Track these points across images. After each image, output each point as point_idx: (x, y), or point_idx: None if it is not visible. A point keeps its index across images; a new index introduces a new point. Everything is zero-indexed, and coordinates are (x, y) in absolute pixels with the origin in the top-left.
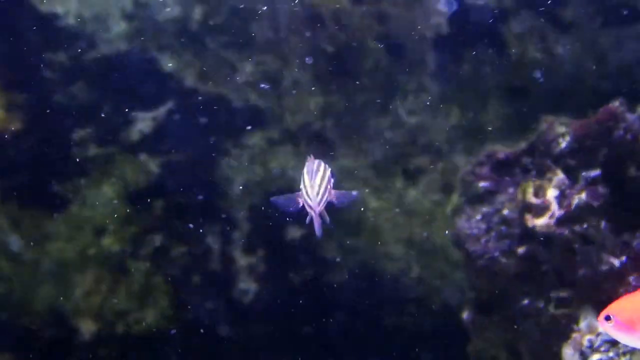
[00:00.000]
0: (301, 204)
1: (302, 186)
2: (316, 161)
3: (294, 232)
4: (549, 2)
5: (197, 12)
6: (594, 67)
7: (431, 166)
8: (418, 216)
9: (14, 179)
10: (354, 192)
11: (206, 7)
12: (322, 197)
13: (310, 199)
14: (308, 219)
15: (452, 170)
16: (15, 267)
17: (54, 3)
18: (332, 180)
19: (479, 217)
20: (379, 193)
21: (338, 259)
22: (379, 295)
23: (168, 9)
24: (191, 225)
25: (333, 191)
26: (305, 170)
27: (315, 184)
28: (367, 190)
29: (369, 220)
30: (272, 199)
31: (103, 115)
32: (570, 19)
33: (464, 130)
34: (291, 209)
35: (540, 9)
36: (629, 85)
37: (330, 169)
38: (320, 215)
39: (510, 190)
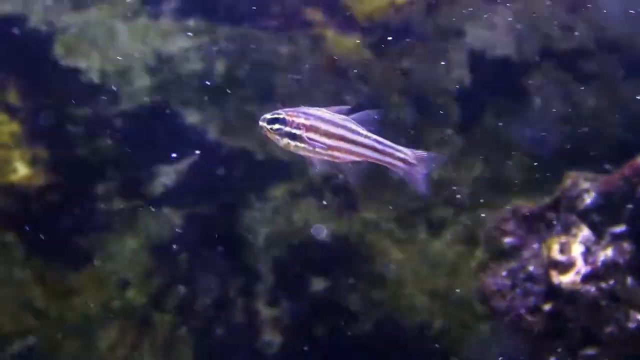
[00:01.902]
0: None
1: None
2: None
3: (318, 284)
4: (571, 54)
5: (220, 66)
6: (616, 118)
7: (454, 218)
8: (442, 268)
9: (39, 234)
10: None
11: (229, 61)
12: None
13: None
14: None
15: (475, 222)
16: (40, 321)
17: (78, 58)
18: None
19: (504, 273)
20: (403, 245)
21: (362, 311)
22: (403, 347)
23: (191, 64)
24: (214, 276)
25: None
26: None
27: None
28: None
29: (392, 272)
30: None
31: (126, 169)
32: (592, 70)
33: (487, 182)
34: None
35: (562, 61)
36: None
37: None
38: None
39: (535, 245)
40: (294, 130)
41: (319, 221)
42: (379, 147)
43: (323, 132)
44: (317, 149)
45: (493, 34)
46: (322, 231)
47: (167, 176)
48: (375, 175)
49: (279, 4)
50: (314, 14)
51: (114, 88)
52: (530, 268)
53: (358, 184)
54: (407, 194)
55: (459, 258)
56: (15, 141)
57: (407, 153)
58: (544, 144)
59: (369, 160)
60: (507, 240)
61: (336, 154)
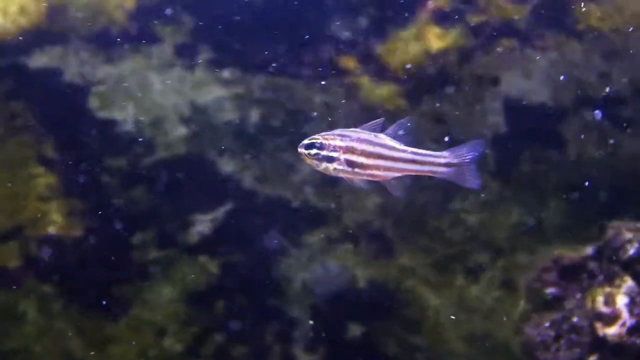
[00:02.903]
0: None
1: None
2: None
3: (355, 329)
4: (607, 100)
5: (254, 115)
6: None
7: (492, 263)
8: (479, 313)
9: (76, 285)
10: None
11: (263, 109)
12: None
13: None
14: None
15: (513, 268)
16: None
17: (113, 110)
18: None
19: (547, 324)
20: (440, 290)
21: (400, 356)
22: None
23: (225, 113)
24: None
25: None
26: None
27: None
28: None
29: (429, 317)
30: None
31: (162, 219)
32: (629, 116)
33: (524, 228)
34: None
35: (599, 108)
36: None
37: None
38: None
39: (578, 296)
40: (331, 154)
41: (355, 267)
42: (418, 158)
43: (360, 152)
44: (356, 170)
45: (529, 81)
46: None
47: (203, 225)
48: (412, 221)
49: (313, 53)
50: (348, 63)
51: (149, 138)
52: (574, 319)
53: (400, 198)
54: (443, 239)
55: (497, 303)
56: (51, 193)
57: (446, 156)
58: (581, 191)
59: (411, 173)
60: (550, 290)
61: (375, 172)
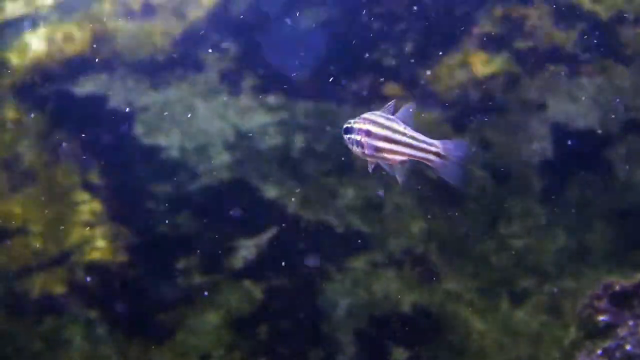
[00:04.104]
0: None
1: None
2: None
3: (400, 354)
4: None
5: (298, 140)
6: None
7: (538, 289)
8: (525, 338)
9: (121, 310)
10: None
11: (307, 135)
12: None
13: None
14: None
15: (560, 293)
16: None
17: (158, 136)
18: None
19: (599, 352)
20: (485, 315)
21: None
22: None
23: (270, 139)
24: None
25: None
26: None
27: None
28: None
29: (474, 342)
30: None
31: (207, 244)
32: None
33: (571, 253)
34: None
35: None
36: None
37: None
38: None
39: (631, 323)
40: (357, 137)
41: (399, 292)
42: (414, 143)
43: (374, 135)
44: (375, 153)
45: (576, 106)
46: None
47: (247, 250)
48: (458, 246)
49: (358, 79)
50: (393, 89)
51: (194, 164)
52: (628, 347)
53: (404, 183)
54: (489, 264)
55: (543, 328)
56: (97, 219)
57: (437, 146)
58: (629, 217)
59: (411, 158)
60: (602, 318)
61: (385, 155)
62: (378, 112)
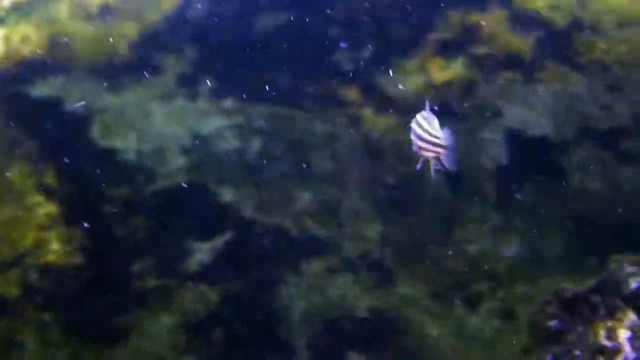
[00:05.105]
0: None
1: (416, 134)
2: (425, 112)
3: (354, 359)
4: (610, 133)
5: (255, 145)
6: None
7: (492, 293)
8: (479, 343)
9: (75, 313)
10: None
11: (264, 139)
12: (443, 137)
13: (437, 138)
14: (420, 164)
15: (513, 298)
16: None
17: (114, 139)
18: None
19: (549, 357)
20: (439, 320)
21: None
22: None
23: (226, 143)
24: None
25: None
26: (418, 118)
27: (432, 129)
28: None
29: (430, 347)
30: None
31: (162, 247)
32: (632, 149)
33: (525, 258)
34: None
35: (601, 140)
36: None
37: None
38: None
39: (580, 329)
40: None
41: (355, 296)
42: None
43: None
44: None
45: (531, 113)
46: None
47: (202, 254)
48: (414, 251)
49: (315, 83)
50: (351, 93)
51: (150, 167)
52: (577, 352)
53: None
54: (444, 269)
55: (496, 333)
56: (52, 222)
57: (445, 139)
58: (583, 223)
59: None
60: (551, 323)
61: (423, 153)
62: (424, 112)
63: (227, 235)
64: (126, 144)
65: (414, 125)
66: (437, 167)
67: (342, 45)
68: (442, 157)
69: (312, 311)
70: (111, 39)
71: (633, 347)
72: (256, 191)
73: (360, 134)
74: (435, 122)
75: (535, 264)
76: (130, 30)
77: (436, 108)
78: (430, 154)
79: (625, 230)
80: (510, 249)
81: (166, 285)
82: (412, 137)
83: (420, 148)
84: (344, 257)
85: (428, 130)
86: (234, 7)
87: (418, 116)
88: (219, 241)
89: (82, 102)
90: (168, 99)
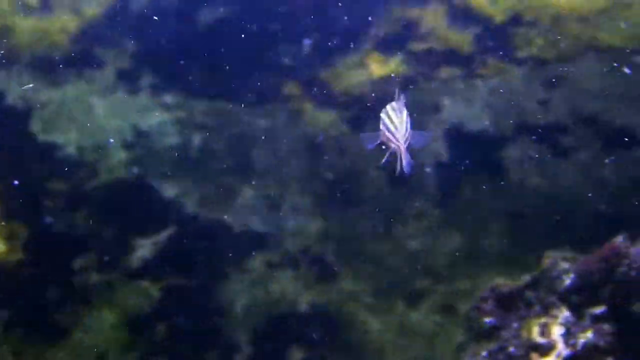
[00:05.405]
0: (384, 141)
1: (385, 124)
2: (395, 103)
3: (297, 354)
4: (548, 128)
5: (197, 140)
6: (594, 192)
7: (433, 289)
8: (420, 338)
9: (16, 310)
10: (429, 132)
11: (205, 134)
12: (406, 135)
13: (396, 137)
14: (386, 157)
15: (453, 293)
16: None
17: (55, 134)
18: (410, 121)
19: (484, 353)
20: (381, 315)
21: None
22: None
23: (168, 138)
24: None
25: (410, 131)
26: (388, 108)
27: (400, 123)
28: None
29: (371, 342)
30: (361, 134)
31: (104, 243)
32: (569, 145)
33: (465, 254)
34: (372, 145)
35: (539, 135)
36: (629, 209)
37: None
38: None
39: (515, 325)
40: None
41: (297, 292)
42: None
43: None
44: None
45: (470, 108)
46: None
47: (144, 249)
48: (355, 246)
49: (257, 78)
50: (292, 88)
51: (91, 162)
52: (511, 349)
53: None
54: (385, 265)
55: (437, 329)
56: None
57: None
58: (521, 219)
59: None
60: (487, 320)
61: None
62: (394, 103)
63: (170, 231)
64: (67, 139)
65: (383, 115)
66: (387, 162)
67: (306, 42)
68: (402, 156)
69: (255, 306)
70: (52, 33)
71: (566, 344)
72: (198, 186)
73: (301, 128)
74: (404, 115)
75: (474, 259)
76: (70, 24)
77: (403, 99)
78: (393, 146)
79: (562, 226)
80: (450, 245)
81: (108, 280)
82: (381, 126)
83: (388, 139)
84: (285, 253)
85: (395, 123)
86: (175, 1)
87: (388, 107)
88: (161, 236)
89: (31, 85)
90: (109, 93)
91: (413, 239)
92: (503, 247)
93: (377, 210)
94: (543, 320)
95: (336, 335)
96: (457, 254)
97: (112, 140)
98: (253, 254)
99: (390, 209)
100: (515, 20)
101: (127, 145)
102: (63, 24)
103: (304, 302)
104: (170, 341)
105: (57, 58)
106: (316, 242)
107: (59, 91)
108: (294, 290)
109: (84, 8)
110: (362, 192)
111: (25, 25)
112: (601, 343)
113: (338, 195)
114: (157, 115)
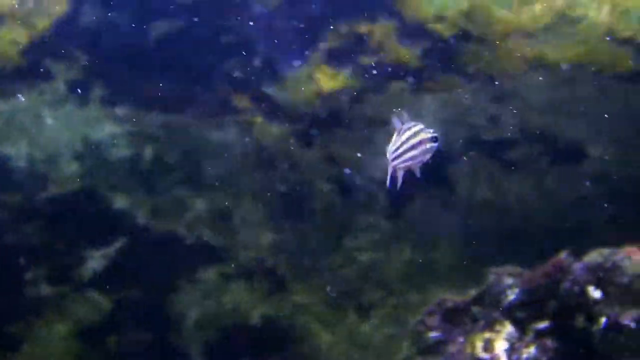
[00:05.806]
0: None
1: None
2: (402, 123)
3: None
4: (496, 143)
5: (148, 152)
6: (541, 205)
7: (383, 301)
8: (371, 349)
9: None
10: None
11: (157, 146)
12: (396, 153)
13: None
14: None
15: (403, 307)
16: None
17: (5, 145)
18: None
19: None
20: (332, 327)
21: None
22: None
23: (119, 149)
24: None
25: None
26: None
27: (392, 143)
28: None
29: (323, 354)
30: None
31: (55, 255)
32: (517, 159)
33: (415, 267)
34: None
35: (488, 150)
36: (574, 223)
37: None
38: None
39: (461, 339)
40: None
41: (249, 304)
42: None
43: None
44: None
45: (419, 122)
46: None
47: (95, 261)
48: (306, 259)
49: (207, 91)
50: (243, 102)
51: (42, 174)
52: None
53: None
54: (336, 277)
55: (387, 341)
56: None
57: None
58: (469, 232)
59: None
60: (433, 335)
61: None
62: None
63: (121, 242)
64: (17, 151)
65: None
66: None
67: (296, 63)
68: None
69: (207, 318)
70: (2, 45)
71: (509, 359)
72: (150, 198)
73: (252, 141)
74: (397, 134)
75: (425, 273)
76: (20, 36)
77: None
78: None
79: (509, 240)
80: (401, 258)
81: (60, 292)
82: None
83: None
84: (237, 265)
85: (392, 141)
86: (127, 14)
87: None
88: (113, 248)
89: None
90: (59, 105)
91: (364, 252)
92: (452, 262)
93: (328, 222)
94: (487, 335)
95: (288, 347)
96: (408, 267)
97: (63, 152)
98: (205, 266)
99: (342, 222)
100: (464, 35)
101: (79, 157)
102: (13, 35)
103: (256, 314)
104: (121, 353)
105: (7, 69)
106: (268, 254)
107: (8, 103)
108: (246, 302)
109: (34, 20)
110: (313, 204)
111: None
112: (544, 359)
113: (289, 207)
114: (108, 127)
